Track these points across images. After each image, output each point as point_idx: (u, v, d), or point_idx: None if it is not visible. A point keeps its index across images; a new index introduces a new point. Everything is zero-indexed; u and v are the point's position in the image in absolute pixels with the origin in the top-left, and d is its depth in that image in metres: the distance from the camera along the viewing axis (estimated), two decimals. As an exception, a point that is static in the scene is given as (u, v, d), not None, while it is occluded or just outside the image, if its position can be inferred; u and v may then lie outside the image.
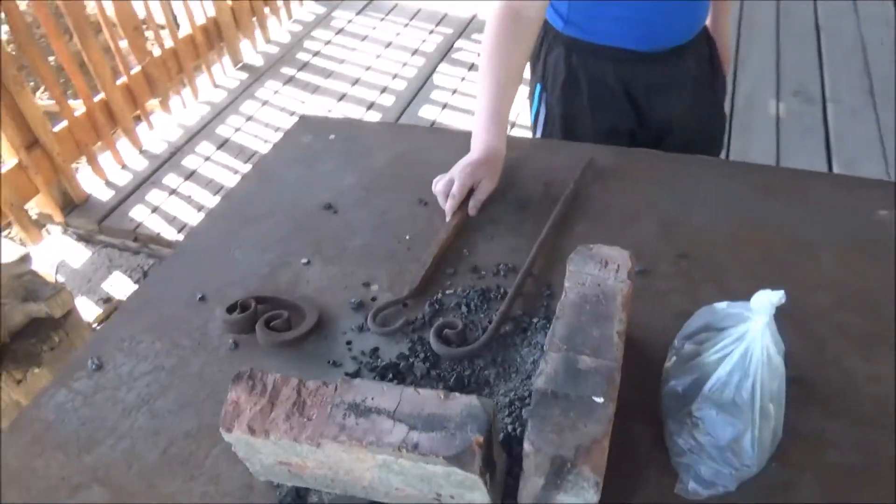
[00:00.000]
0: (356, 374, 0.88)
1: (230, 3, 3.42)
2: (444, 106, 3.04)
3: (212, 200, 2.62)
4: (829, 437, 0.76)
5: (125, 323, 1.00)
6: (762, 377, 0.68)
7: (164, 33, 3.12)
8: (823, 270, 0.96)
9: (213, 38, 3.38)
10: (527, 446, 0.63)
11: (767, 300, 0.66)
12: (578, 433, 0.63)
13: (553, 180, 1.17)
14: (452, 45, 3.49)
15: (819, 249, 0.99)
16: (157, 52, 3.02)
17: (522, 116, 2.85)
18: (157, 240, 2.51)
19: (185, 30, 3.22)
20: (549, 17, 1.34)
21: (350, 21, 3.84)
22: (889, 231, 1.01)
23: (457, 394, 0.68)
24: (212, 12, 3.35)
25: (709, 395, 0.70)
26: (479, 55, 1.18)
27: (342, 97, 3.19)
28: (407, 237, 1.09)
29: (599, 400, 0.66)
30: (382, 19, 3.83)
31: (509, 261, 1.02)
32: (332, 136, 1.35)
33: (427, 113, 3.00)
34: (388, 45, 3.57)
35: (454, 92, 3.12)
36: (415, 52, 3.49)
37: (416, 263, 1.03)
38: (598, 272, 0.79)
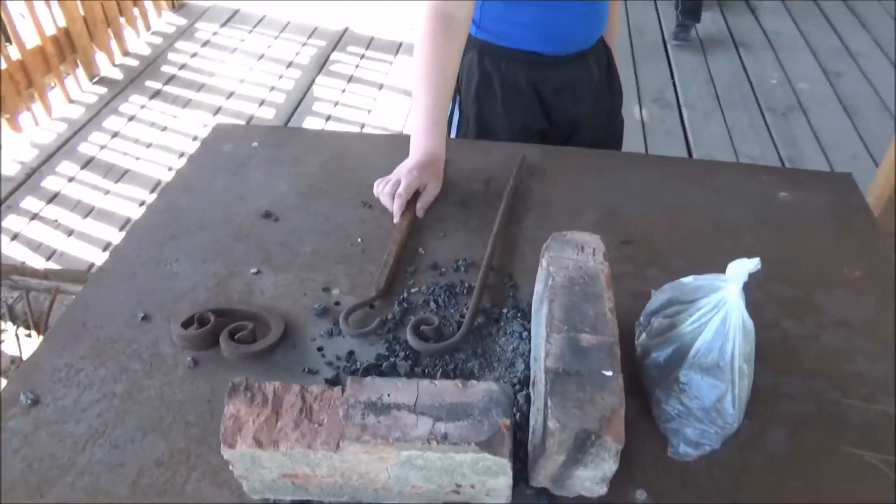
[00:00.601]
0: (335, 380, 0.85)
1: (82, 11, 3.16)
2: (328, 118, 3.00)
3: (85, 224, 2.40)
4: (783, 390, 0.85)
5: (56, 352, 0.90)
6: (739, 340, 0.75)
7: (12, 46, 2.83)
8: (746, 247, 1.06)
9: (66, 49, 3.11)
10: (552, 424, 0.65)
11: (743, 268, 0.73)
12: (598, 405, 0.66)
13: (491, 178, 1.20)
14: (328, 58, 3.46)
15: (738, 230, 1.10)
16: (2, 64, 2.73)
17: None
18: (21, 269, 2.25)
19: (33, 40, 2.93)
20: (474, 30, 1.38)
21: (215, 33, 3.69)
22: (790, 210, 1.14)
23: (474, 381, 0.68)
24: (62, 22, 3.08)
25: (694, 361, 0.76)
26: (412, 59, 1.19)
27: (218, 110, 3.05)
28: (359, 240, 1.07)
29: (609, 373, 0.69)
30: (250, 31, 3.72)
31: (467, 256, 1.04)
32: (255, 144, 1.30)
33: (311, 125, 2.95)
34: (261, 57, 3.47)
35: (336, 104, 3.09)
36: (289, 64, 3.42)
37: (374, 265, 1.02)
38: (576, 256, 0.83)
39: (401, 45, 3.57)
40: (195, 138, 2.85)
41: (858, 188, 1.20)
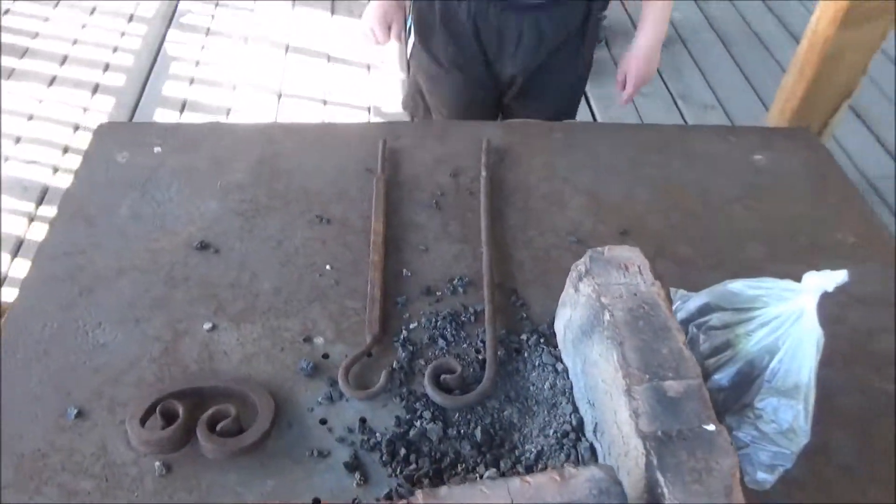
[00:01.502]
0: (355, 461, 0.70)
1: None
2: (192, 81, 2.62)
3: None
4: (830, 384, 0.79)
5: (-39, 486, 0.67)
6: (815, 357, 0.69)
7: None
8: (743, 225, 1.01)
9: None
10: (672, 506, 0.55)
11: (825, 281, 0.65)
12: (716, 473, 0.57)
13: (458, 169, 1.05)
14: (176, 9, 3.01)
15: (728, 205, 1.04)
16: None
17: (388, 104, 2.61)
18: None
19: None
20: None
21: (28, -17, 3.09)
22: (768, 175, 1.10)
23: (571, 469, 0.56)
24: None
25: (772, 385, 0.69)
26: None
27: (52, 80, 2.57)
28: (328, 267, 0.89)
29: (711, 428, 0.60)
30: (74, -21, 3.15)
31: (460, 273, 0.90)
32: (157, 149, 1.05)
33: (173, 91, 2.57)
34: (93, 11, 2.96)
35: (198, 63, 2.71)
36: (131, 18, 2.94)
37: (355, 299, 0.85)
38: (625, 279, 0.71)
39: (258, -12, 3.18)
40: (30, 118, 2.39)
41: (822, 143, 1.18)
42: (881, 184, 2.34)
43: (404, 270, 0.90)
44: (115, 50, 2.75)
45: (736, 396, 0.71)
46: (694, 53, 2.96)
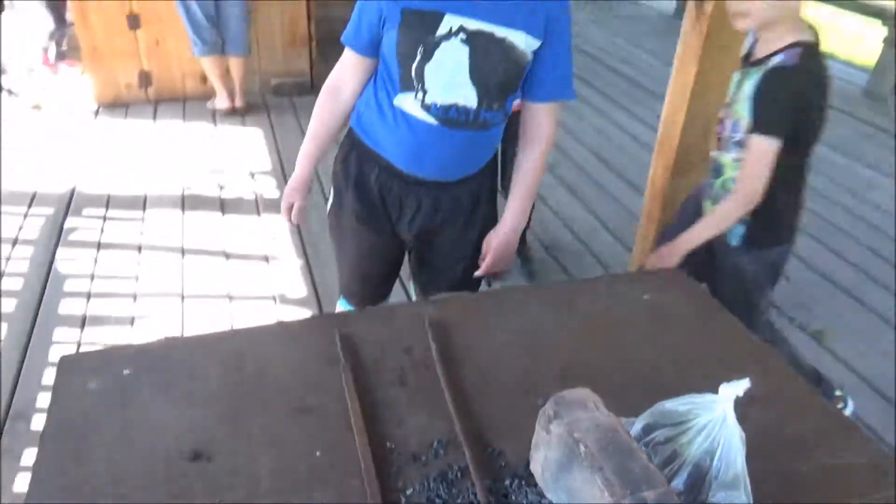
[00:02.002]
0: None
1: None
2: (88, 296, 2.62)
3: None
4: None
5: None
6: (741, 449, 0.86)
7: None
8: (649, 351, 1.22)
9: None
10: None
11: (735, 389, 0.85)
12: (703, 560, 0.71)
13: (409, 347, 1.20)
14: (63, 226, 3.05)
15: (633, 337, 1.26)
16: None
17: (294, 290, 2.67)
18: None
19: None
20: (352, 120, 1.54)
21: None
22: (656, 309, 1.34)
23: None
24: None
25: (719, 481, 0.85)
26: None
27: (-67, 316, 2.47)
28: (318, 453, 0.98)
29: (688, 525, 0.74)
30: (-54, 211, 3.11)
31: (437, 436, 1.01)
32: (126, 371, 1.11)
33: (70, 308, 2.54)
34: (-28, 239, 2.92)
35: (93, 278, 2.72)
36: (14, 241, 2.93)
37: (351, 476, 0.94)
38: (587, 414, 0.87)
39: (146, 198, 3.30)
40: (-87, 358, 2.26)
41: (691, 279, 1.46)
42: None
43: (388, 444, 1.00)
44: (1, 276, 2.71)
45: (693, 497, 0.87)
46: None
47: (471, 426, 1.03)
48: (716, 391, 0.88)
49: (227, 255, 2.88)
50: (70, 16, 4.69)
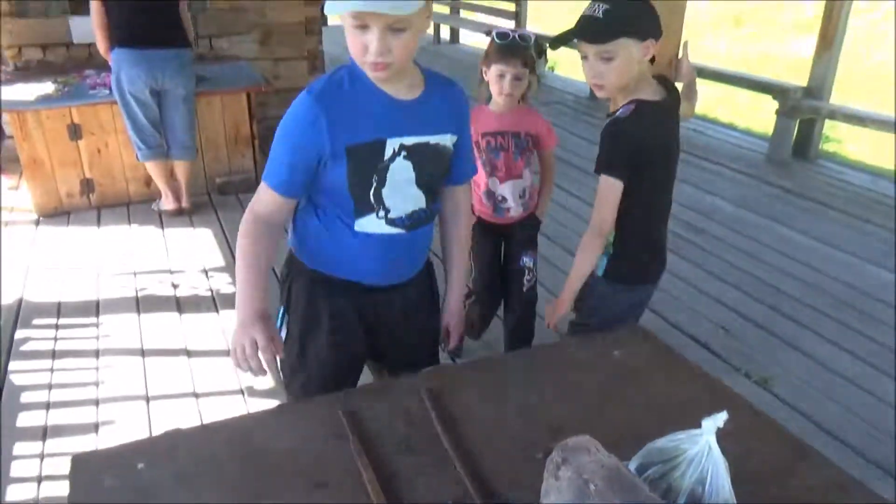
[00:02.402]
0: None
1: None
2: (48, 406, 2.55)
3: None
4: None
5: None
6: (726, 474, 0.98)
7: None
8: (627, 402, 1.34)
9: None
10: None
11: (716, 422, 0.97)
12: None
13: (411, 416, 1.27)
14: (13, 338, 2.97)
15: (609, 389, 1.38)
16: None
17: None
18: None
19: None
20: (296, 252, 1.56)
21: None
22: (625, 364, 1.47)
23: None
24: None
25: (712, 504, 0.96)
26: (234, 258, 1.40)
27: None
28: (343, 524, 1.04)
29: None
30: None
31: (454, 496, 1.09)
32: (140, 465, 1.14)
33: (29, 421, 2.47)
34: (-86, 360, 2.81)
35: (51, 388, 2.66)
36: (-38, 358, 2.84)
37: (378, 542, 1.00)
38: (591, 458, 0.97)
39: (98, 302, 3.27)
40: None
41: (655, 335, 1.60)
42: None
43: (408, 508, 1.07)
44: (-50, 394, 2.61)
45: (692, 523, 0.97)
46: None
47: (479, 483, 1.11)
48: (695, 427, 1.01)
49: (189, 353, 2.87)
50: (6, 129, 4.71)
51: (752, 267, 3.71)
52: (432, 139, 1.43)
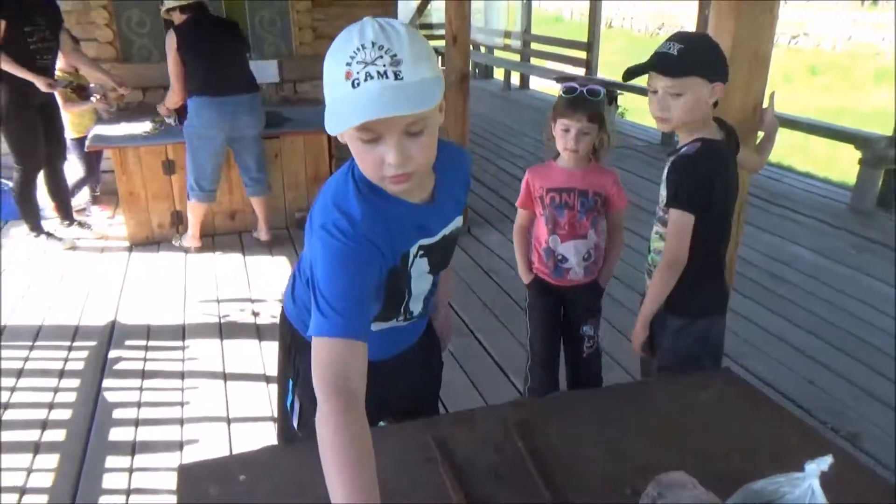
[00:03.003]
0: None
1: None
2: (136, 423, 2.68)
3: None
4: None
5: None
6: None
7: None
8: (715, 442, 1.32)
9: None
10: None
11: (819, 465, 0.96)
12: None
13: (498, 445, 1.30)
14: (106, 358, 3.15)
15: (696, 430, 1.36)
16: None
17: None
18: None
19: None
20: (300, 328, 1.42)
21: (-56, 357, 3.12)
22: (712, 405, 1.45)
23: None
24: None
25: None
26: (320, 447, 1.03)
27: (-12, 448, 2.51)
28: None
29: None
30: (-7, 346, 3.22)
31: (541, 526, 1.10)
32: (242, 478, 1.20)
33: (120, 436, 2.60)
34: (19, 374, 3.01)
35: (139, 406, 2.80)
36: (61, 374, 3.02)
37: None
38: (688, 492, 0.97)
39: (184, 327, 3.44)
40: (-33, 491, 2.29)
41: (743, 380, 1.58)
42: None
43: (496, 531, 1.09)
44: (50, 407, 2.78)
45: (792, 567, 0.95)
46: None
47: (569, 515, 1.12)
48: (792, 471, 0.99)
49: (268, 379, 2.97)
50: (103, 164, 5.06)
51: (836, 318, 3.57)
52: (447, 231, 1.32)
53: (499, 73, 11.85)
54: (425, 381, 1.65)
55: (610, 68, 10.86)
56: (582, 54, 9.14)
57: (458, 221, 1.36)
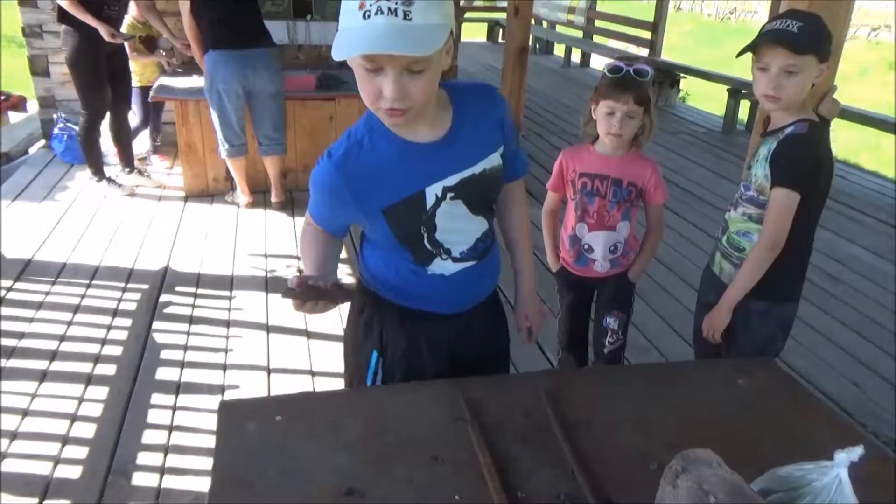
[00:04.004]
0: None
1: None
2: (182, 365, 2.79)
3: None
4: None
5: None
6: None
7: None
8: (748, 429, 1.31)
9: None
10: None
11: (850, 455, 0.94)
12: None
13: (527, 410, 1.31)
14: (158, 301, 3.28)
15: (731, 416, 1.35)
16: None
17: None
18: None
19: None
20: (368, 283, 1.46)
21: (9, 289, 3.29)
22: (750, 393, 1.44)
23: None
24: None
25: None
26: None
27: (43, 376, 2.66)
28: (456, 497, 1.09)
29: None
30: (54, 282, 3.39)
31: (563, 489, 1.11)
32: (278, 418, 1.25)
33: (165, 375, 2.72)
34: (76, 309, 3.16)
35: (185, 349, 2.91)
36: (115, 312, 3.16)
37: (491, 520, 1.04)
38: (712, 470, 0.97)
39: (232, 278, 3.54)
40: (25, 413, 2.44)
41: (781, 368, 1.55)
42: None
43: (519, 493, 1.11)
44: (103, 343, 2.92)
45: (814, 552, 0.95)
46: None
47: (593, 483, 1.13)
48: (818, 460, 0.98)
49: (309, 334, 3.05)
50: (164, 116, 5.20)
51: (887, 320, 3.45)
52: (478, 168, 1.32)
53: (559, 50, 11.64)
54: (497, 342, 1.60)
55: (675, 52, 10.57)
56: (647, 34, 8.90)
57: (494, 159, 1.35)
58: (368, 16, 1.05)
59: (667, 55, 9.16)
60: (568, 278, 2.30)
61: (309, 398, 1.32)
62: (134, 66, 4.84)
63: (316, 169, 1.29)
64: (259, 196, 4.61)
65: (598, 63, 10.69)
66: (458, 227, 1.36)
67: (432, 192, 1.29)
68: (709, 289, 2.04)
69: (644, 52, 8.96)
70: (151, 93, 4.59)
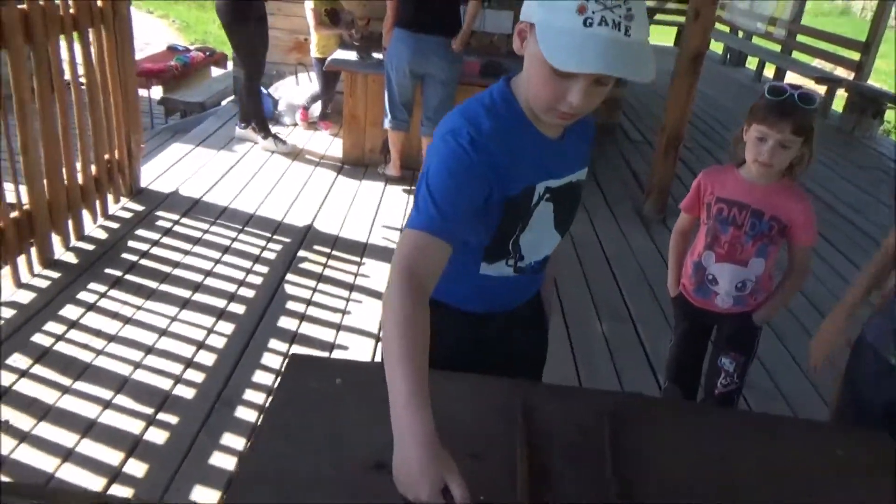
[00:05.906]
0: None
1: (47, 196, 3.10)
2: (302, 317, 2.99)
3: (42, 428, 2.17)
4: None
5: None
6: None
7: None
8: (809, 489, 1.16)
9: (25, 233, 2.99)
10: None
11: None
12: None
13: (584, 430, 1.26)
14: (295, 255, 3.52)
15: (820, 486, 1.20)
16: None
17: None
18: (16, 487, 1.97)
19: (-4, 223, 2.81)
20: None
21: (177, 222, 3.69)
22: (847, 464, 1.27)
23: None
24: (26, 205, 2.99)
25: None
26: (381, 333, 1.14)
27: (185, 303, 2.97)
28: (481, 498, 1.07)
29: None
30: (213, 223, 3.75)
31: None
32: (338, 381, 1.30)
33: (286, 324, 2.93)
34: (226, 250, 3.49)
35: (308, 303, 3.11)
36: (256, 259, 3.45)
37: (508, 527, 1.01)
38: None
39: (366, 246, 3.72)
40: (163, 333, 2.74)
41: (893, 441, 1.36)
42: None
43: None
44: (239, 285, 3.19)
45: None
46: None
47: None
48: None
49: (422, 312, 3.12)
50: (340, 86, 5.51)
51: None
52: (573, 177, 1.31)
53: (752, 63, 10.82)
54: (527, 351, 1.57)
55: (886, 76, 9.43)
56: (855, 55, 8.01)
57: (582, 174, 1.34)
58: (591, 24, 0.97)
59: (874, 80, 8.20)
60: (685, 306, 2.15)
61: (370, 368, 1.35)
62: (316, 37, 5.18)
63: (453, 150, 1.11)
64: (408, 172, 4.77)
65: (794, 81, 9.82)
66: (539, 236, 1.33)
67: (539, 189, 1.25)
68: (860, 362, 1.72)
69: (850, 75, 8.08)
70: (327, 62, 4.89)
